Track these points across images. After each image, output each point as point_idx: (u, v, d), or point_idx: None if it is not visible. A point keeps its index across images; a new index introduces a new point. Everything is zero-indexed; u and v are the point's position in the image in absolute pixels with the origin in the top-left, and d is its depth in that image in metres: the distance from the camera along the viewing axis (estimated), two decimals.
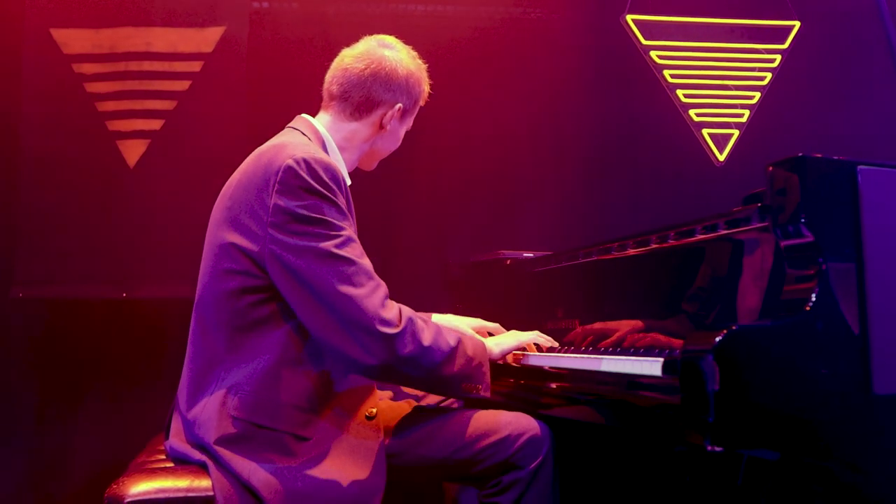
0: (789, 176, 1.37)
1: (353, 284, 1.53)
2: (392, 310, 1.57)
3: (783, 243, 1.39)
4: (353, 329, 1.52)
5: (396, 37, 1.92)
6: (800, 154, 1.36)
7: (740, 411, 1.24)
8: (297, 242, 1.54)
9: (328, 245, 1.54)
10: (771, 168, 1.41)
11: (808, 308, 1.30)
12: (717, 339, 1.22)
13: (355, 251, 1.58)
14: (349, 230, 1.59)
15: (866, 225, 1.36)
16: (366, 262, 1.59)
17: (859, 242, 1.36)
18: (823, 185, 1.37)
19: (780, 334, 1.28)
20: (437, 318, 2.12)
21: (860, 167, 1.38)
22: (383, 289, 1.58)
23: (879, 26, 1.04)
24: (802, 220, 1.34)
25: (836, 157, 1.38)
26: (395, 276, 3.44)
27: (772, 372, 1.27)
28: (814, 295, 1.31)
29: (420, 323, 1.60)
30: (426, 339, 1.59)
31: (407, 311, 1.60)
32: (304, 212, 1.55)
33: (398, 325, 1.55)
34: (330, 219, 1.56)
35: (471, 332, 1.94)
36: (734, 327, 1.25)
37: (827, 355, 1.31)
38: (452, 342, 1.65)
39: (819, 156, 1.37)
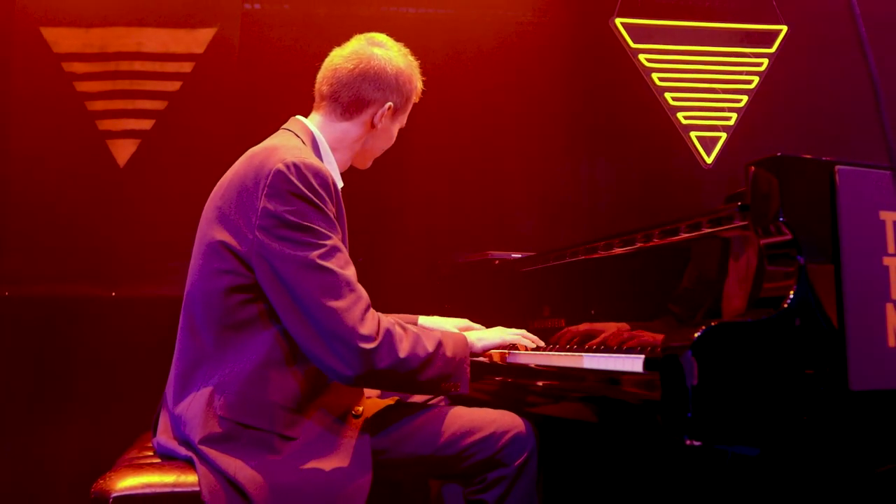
0: (769, 175, 1.39)
1: (334, 297, 1.53)
2: (370, 323, 1.56)
3: (762, 241, 1.41)
4: (332, 341, 1.53)
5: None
6: (779, 154, 1.38)
7: (719, 407, 1.26)
8: (283, 249, 1.54)
9: (313, 255, 1.54)
10: (750, 168, 1.43)
11: (786, 305, 1.32)
12: (696, 334, 1.24)
13: (339, 261, 1.57)
14: (335, 239, 1.59)
15: (844, 224, 1.38)
16: (349, 273, 1.58)
17: (837, 241, 1.38)
18: (802, 184, 1.39)
19: (759, 331, 1.30)
20: (424, 320, 2.13)
21: (838, 167, 1.40)
22: (364, 301, 1.57)
23: (856, 31, 1.06)
24: (781, 219, 1.36)
25: (814, 157, 1.40)
26: (384, 275, 3.50)
27: (750, 368, 1.29)
28: (792, 292, 1.33)
29: (398, 333, 1.60)
30: (403, 350, 1.59)
31: (386, 321, 1.60)
32: (292, 217, 1.55)
33: (375, 340, 1.54)
34: (316, 226, 1.56)
35: (454, 329, 1.95)
36: (714, 323, 1.27)
37: (805, 352, 1.33)
38: (431, 348, 1.65)
39: (798, 156, 1.39)
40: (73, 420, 3.26)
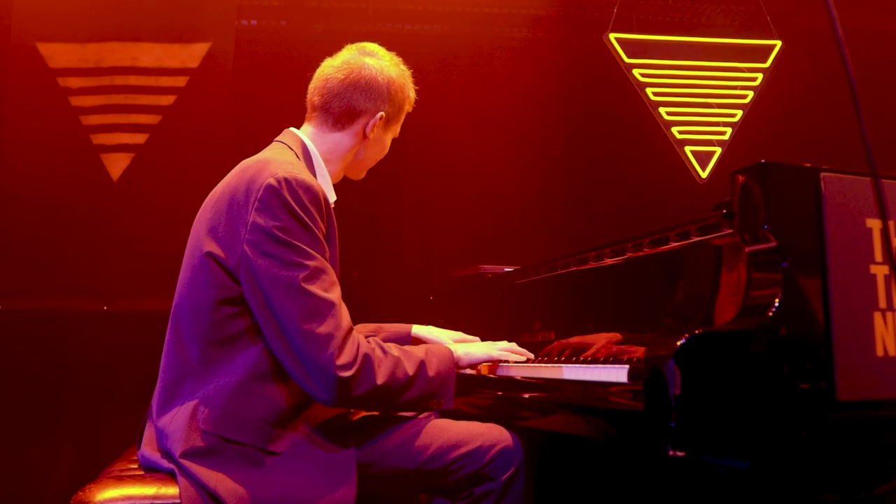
0: (752, 183, 1.38)
1: (315, 322, 1.51)
2: (349, 351, 1.53)
3: (747, 249, 1.39)
4: (309, 365, 1.51)
5: None
6: (763, 161, 1.37)
7: (703, 417, 1.23)
8: (269, 267, 1.52)
9: (296, 276, 1.52)
10: (734, 175, 1.42)
11: (770, 313, 1.30)
12: (679, 343, 1.23)
13: (323, 284, 1.55)
14: (321, 259, 1.57)
15: (830, 231, 1.37)
16: (332, 296, 1.55)
17: (823, 248, 1.36)
18: (787, 191, 1.37)
19: (744, 339, 1.28)
20: (418, 329, 2.10)
21: (824, 174, 1.39)
22: (344, 328, 1.55)
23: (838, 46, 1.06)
24: (766, 227, 1.35)
25: (799, 164, 1.39)
26: (378, 289, 3.48)
27: (735, 377, 1.27)
28: (777, 300, 1.31)
29: (377, 358, 1.57)
30: (382, 376, 1.56)
31: (365, 347, 1.57)
32: (280, 234, 1.53)
33: (353, 367, 1.52)
34: (303, 245, 1.54)
35: (447, 340, 1.92)
36: (697, 332, 1.25)
37: (790, 361, 1.31)
38: (412, 370, 1.63)
39: (782, 163, 1.38)
40: (65, 433, 3.25)
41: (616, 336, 1.87)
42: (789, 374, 1.30)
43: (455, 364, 1.78)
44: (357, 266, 3.51)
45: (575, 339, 2.00)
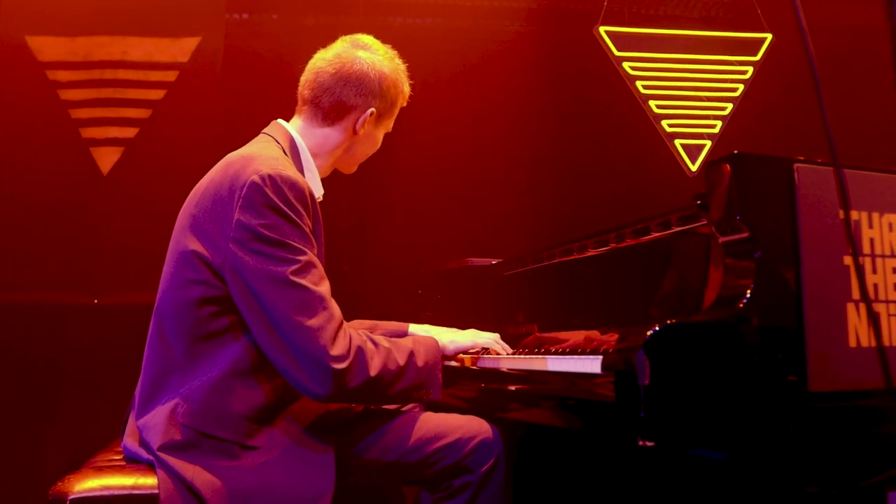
0: (726, 173, 1.38)
1: (307, 315, 1.50)
2: (342, 343, 1.52)
3: (721, 240, 1.40)
4: (302, 359, 1.50)
5: None
6: (735, 151, 1.37)
7: (672, 407, 1.24)
8: (256, 264, 1.51)
9: (286, 270, 1.50)
10: (708, 166, 1.42)
11: (742, 304, 1.30)
12: (649, 333, 1.23)
13: (313, 277, 1.53)
14: (310, 254, 1.55)
15: (803, 222, 1.37)
16: (322, 290, 1.54)
17: (796, 239, 1.36)
18: (760, 181, 1.38)
19: (714, 330, 1.28)
20: (415, 328, 2.09)
21: (797, 165, 1.39)
22: (336, 320, 1.53)
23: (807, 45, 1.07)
24: (738, 217, 1.35)
25: (773, 155, 1.39)
26: (367, 283, 3.49)
27: (706, 368, 1.27)
28: (749, 291, 1.31)
29: (370, 350, 1.57)
30: (375, 367, 1.56)
31: (358, 339, 1.56)
32: (266, 231, 1.51)
33: (347, 359, 1.51)
34: (291, 241, 1.52)
35: (435, 333, 1.93)
36: (669, 322, 1.25)
37: (761, 352, 1.31)
38: (402, 361, 1.62)
39: (756, 154, 1.38)
40: (54, 425, 3.25)
41: (595, 332, 1.88)
42: (760, 365, 1.30)
43: (442, 353, 1.77)
44: (346, 260, 3.51)
45: (550, 335, 2.01)
